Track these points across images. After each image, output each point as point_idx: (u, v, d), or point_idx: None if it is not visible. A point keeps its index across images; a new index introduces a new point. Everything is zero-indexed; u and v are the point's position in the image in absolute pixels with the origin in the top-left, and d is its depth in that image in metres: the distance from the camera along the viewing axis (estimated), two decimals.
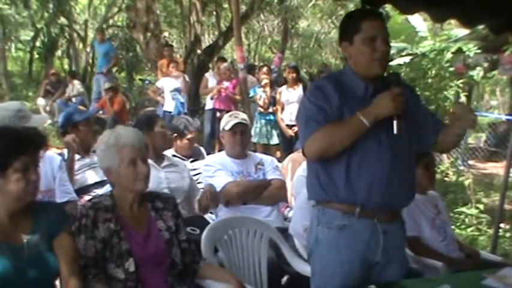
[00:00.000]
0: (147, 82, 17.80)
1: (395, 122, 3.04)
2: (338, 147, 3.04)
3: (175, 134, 5.76)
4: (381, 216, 3.16)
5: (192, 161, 5.77)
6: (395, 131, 3.04)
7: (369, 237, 3.17)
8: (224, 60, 13.78)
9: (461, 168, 11.68)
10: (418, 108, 3.34)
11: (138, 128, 4.11)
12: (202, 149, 6.64)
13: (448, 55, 8.95)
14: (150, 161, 4.73)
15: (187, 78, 13.28)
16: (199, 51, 17.64)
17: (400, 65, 9.53)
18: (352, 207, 3.13)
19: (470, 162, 13.60)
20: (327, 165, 3.13)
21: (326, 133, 3.04)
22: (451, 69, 9.07)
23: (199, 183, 5.32)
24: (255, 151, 6.85)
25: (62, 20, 22.49)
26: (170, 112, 12.35)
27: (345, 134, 3.03)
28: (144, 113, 7.77)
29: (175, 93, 12.55)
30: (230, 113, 5.48)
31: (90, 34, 23.20)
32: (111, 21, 23.85)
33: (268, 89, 10.88)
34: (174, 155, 5.51)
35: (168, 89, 12.66)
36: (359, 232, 3.15)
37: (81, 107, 5.50)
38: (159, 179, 4.80)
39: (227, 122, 5.20)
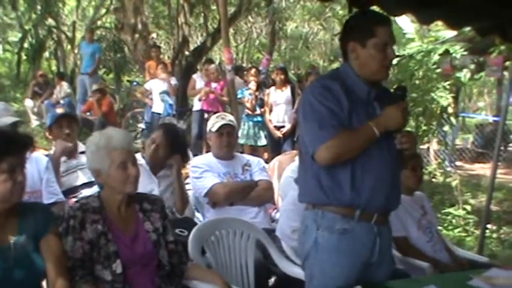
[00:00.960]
0: (135, 83, 17.77)
1: (398, 136, 3.12)
2: (350, 156, 3.08)
3: None
4: (377, 218, 3.19)
5: None
6: (398, 146, 3.14)
7: (368, 239, 3.20)
8: (212, 62, 13.77)
9: (449, 169, 11.72)
10: None
11: None
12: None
13: (435, 57, 8.96)
14: (146, 167, 4.76)
15: (173, 81, 13.18)
16: (187, 53, 17.62)
17: None
18: (352, 211, 3.14)
19: (458, 163, 13.68)
20: (331, 168, 3.13)
21: (340, 142, 3.04)
22: (438, 70, 9.08)
23: (187, 184, 5.32)
24: (242, 152, 6.86)
25: (50, 21, 22.41)
26: (159, 114, 12.38)
27: (358, 144, 3.08)
28: None
29: (163, 95, 12.53)
30: (217, 115, 5.49)
31: (78, 36, 23.11)
32: (99, 23, 23.78)
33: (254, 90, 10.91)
34: None
35: (157, 90, 12.65)
36: (359, 235, 3.17)
37: (60, 110, 5.38)
38: (151, 185, 4.80)
39: (214, 123, 5.21)
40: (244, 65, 21.44)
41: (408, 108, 3.36)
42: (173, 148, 5.00)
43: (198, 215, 5.27)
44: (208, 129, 5.31)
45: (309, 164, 3.23)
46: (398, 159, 3.22)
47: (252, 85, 10.93)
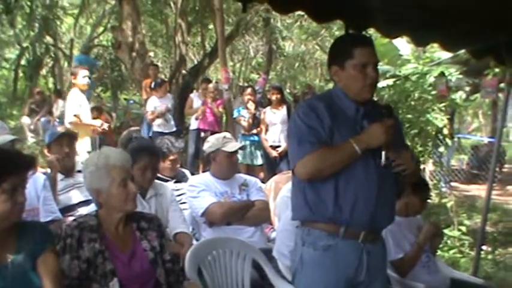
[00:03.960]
0: (131, 102, 17.80)
1: (383, 153, 3.13)
2: (329, 171, 3.11)
3: None
4: (364, 236, 3.20)
5: (175, 182, 5.77)
6: (383, 163, 3.14)
7: (353, 257, 3.20)
8: (209, 81, 13.82)
9: (444, 190, 11.72)
10: (398, 139, 3.38)
11: None
12: (185, 171, 6.63)
13: (431, 79, 9.01)
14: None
15: (169, 101, 12.97)
16: (184, 72, 17.66)
17: (383, 87, 9.57)
18: (337, 228, 3.16)
19: (453, 184, 13.67)
20: (315, 183, 3.17)
21: (319, 157, 3.09)
22: (434, 92, 9.12)
23: (183, 203, 5.30)
24: (238, 172, 6.86)
25: (48, 39, 22.50)
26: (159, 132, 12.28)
27: (337, 160, 3.10)
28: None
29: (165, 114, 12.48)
30: (224, 135, 5.44)
31: (76, 53, 23.19)
32: (96, 41, 23.85)
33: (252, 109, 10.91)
34: (157, 177, 5.43)
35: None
36: (344, 252, 3.18)
37: (61, 128, 5.41)
38: (143, 207, 4.76)
39: (225, 142, 5.19)
40: (240, 84, 21.50)
41: (399, 126, 3.40)
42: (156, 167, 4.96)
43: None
44: (216, 147, 5.22)
45: (296, 181, 3.31)
46: (389, 177, 3.22)
47: (250, 105, 10.93)
